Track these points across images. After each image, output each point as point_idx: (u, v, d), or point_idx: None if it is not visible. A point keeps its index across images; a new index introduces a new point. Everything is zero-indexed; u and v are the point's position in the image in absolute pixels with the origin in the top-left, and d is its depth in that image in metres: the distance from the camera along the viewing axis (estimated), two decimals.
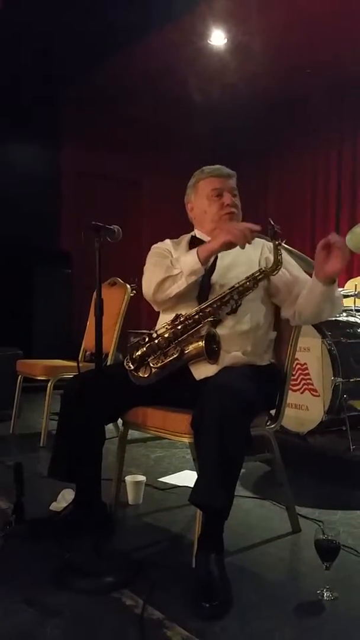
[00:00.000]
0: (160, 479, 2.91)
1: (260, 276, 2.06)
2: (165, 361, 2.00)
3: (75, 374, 2.45)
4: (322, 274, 2.03)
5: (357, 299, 3.50)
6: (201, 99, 5.73)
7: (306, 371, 3.09)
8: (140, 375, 2.04)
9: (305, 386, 3.09)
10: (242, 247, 2.05)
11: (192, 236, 2.35)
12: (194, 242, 2.29)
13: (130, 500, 2.54)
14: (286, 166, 6.99)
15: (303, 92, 6.10)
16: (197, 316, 2.04)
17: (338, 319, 3.29)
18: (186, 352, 2.00)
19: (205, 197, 2.27)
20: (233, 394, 1.83)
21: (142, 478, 2.58)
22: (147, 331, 2.17)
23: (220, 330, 2.08)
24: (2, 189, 5.98)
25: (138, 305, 3.90)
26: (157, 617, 1.64)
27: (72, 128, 6.55)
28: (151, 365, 2.02)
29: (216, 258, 2.21)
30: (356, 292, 3.50)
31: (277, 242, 2.02)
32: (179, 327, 2.03)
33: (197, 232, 2.35)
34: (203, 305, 2.05)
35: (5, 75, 5.49)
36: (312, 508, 2.49)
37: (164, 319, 2.20)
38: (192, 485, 1.85)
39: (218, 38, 5.21)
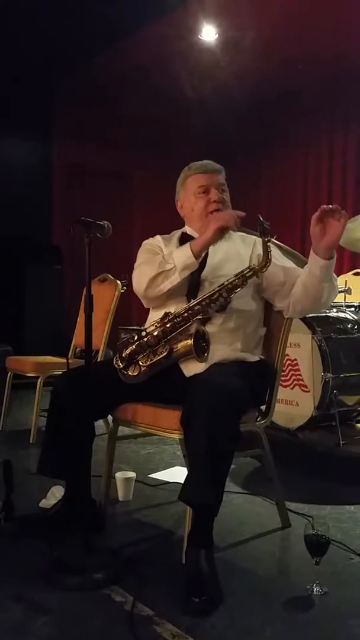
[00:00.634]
0: (151, 476, 2.91)
1: (249, 273, 2.06)
2: (154, 359, 2.00)
3: (65, 370, 2.44)
4: (321, 247, 2.01)
5: (347, 295, 3.51)
6: (192, 93, 5.71)
7: (296, 367, 3.10)
8: (130, 373, 2.04)
9: (295, 382, 3.10)
10: (234, 229, 2.08)
11: (182, 232, 2.35)
12: (185, 239, 2.28)
13: (120, 497, 2.54)
14: (277, 161, 6.99)
15: (294, 87, 6.08)
16: (186, 314, 2.03)
17: (328, 314, 3.30)
18: (175, 350, 2.00)
19: (192, 194, 2.26)
20: (222, 391, 1.84)
21: (132, 474, 2.58)
22: (138, 327, 2.18)
23: (210, 328, 2.08)
24: None
25: (129, 301, 3.90)
26: (147, 613, 1.64)
27: (63, 122, 6.52)
28: (140, 363, 2.02)
29: (207, 255, 2.21)
30: (346, 288, 3.51)
31: (266, 239, 2.01)
32: (168, 325, 2.03)
33: (187, 229, 2.35)
34: (192, 303, 2.05)
35: None
36: (301, 503, 2.50)
37: (154, 316, 2.20)
38: (182, 481, 1.85)
39: (209, 33, 5.19)
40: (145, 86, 5.93)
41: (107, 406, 2.22)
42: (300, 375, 3.08)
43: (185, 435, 1.90)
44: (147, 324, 2.18)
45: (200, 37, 5.23)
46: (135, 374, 2.03)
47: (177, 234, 2.36)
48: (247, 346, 2.17)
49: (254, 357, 2.20)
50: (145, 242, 2.37)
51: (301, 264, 3.58)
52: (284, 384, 3.08)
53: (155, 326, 2.05)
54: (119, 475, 2.54)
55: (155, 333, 2.03)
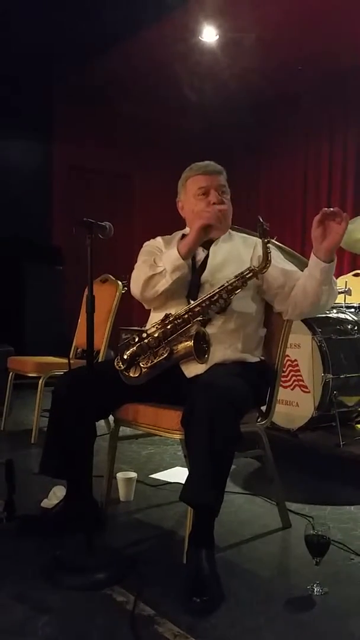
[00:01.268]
0: (152, 476, 2.91)
1: (249, 275, 2.06)
2: (155, 361, 2.01)
3: (66, 370, 2.45)
4: (322, 250, 2.02)
5: (347, 296, 3.52)
6: (193, 94, 5.73)
7: (297, 367, 3.11)
8: (131, 375, 2.05)
9: (295, 382, 3.11)
10: (218, 225, 2.13)
11: (183, 234, 2.35)
12: None
13: (122, 497, 2.55)
14: (277, 162, 7.00)
15: (294, 88, 6.10)
16: (186, 316, 2.05)
17: (328, 315, 3.30)
18: (175, 351, 2.01)
19: (192, 195, 2.27)
20: (222, 391, 1.84)
21: (133, 475, 2.59)
22: (139, 328, 2.19)
23: (210, 329, 2.09)
24: None
25: (130, 302, 3.89)
26: (148, 613, 1.64)
27: (63, 123, 6.52)
28: (141, 365, 2.03)
29: (207, 257, 2.21)
30: (346, 289, 3.51)
31: (266, 240, 2.02)
32: (169, 326, 2.04)
33: (188, 230, 2.35)
34: (192, 305, 2.06)
35: None
36: (302, 504, 2.51)
37: (155, 317, 2.21)
38: (183, 481, 1.85)
39: (209, 34, 5.20)
40: (146, 87, 5.94)
41: (108, 406, 2.22)
42: (300, 375, 3.09)
43: (186, 436, 1.90)
44: (148, 325, 2.19)
45: (200, 38, 5.25)
46: (136, 375, 2.04)
47: (178, 235, 2.36)
48: (247, 347, 2.18)
49: (255, 358, 2.21)
50: (145, 243, 2.38)
51: (302, 265, 3.58)
52: (284, 384, 3.09)
53: (156, 328, 2.06)
54: (120, 475, 2.55)
55: (156, 335, 2.04)
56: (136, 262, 2.32)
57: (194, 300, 2.10)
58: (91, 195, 6.62)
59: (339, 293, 3.57)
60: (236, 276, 2.07)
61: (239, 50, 5.17)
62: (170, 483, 2.79)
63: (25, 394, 4.31)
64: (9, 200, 5.91)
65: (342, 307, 3.43)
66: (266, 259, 2.03)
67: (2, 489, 2.27)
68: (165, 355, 2.01)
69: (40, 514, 2.32)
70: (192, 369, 2.08)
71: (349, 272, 4.61)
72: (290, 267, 2.25)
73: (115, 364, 2.07)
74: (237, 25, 4.95)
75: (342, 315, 3.34)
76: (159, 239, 2.37)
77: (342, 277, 4.41)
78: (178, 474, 2.89)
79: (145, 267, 2.19)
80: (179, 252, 2.11)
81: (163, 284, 2.14)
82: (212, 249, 2.24)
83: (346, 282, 3.75)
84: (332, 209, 1.99)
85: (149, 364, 2.02)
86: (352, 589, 1.82)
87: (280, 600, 1.73)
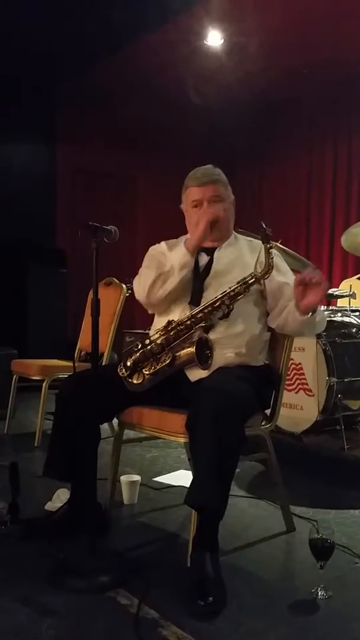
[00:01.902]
0: (155, 479, 2.91)
1: (251, 280, 2.07)
2: (157, 367, 2.03)
3: (70, 373, 2.45)
4: (302, 307, 2.04)
5: (352, 300, 3.52)
6: (197, 98, 5.73)
7: (301, 371, 3.10)
8: (134, 382, 2.06)
9: (300, 386, 3.10)
10: (221, 216, 2.18)
11: (186, 239, 2.36)
12: None
13: (126, 500, 2.55)
14: (281, 165, 7.00)
15: (299, 92, 6.11)
16: (189, 322, 2.06)
17: (333, 319, 3.30)
18: (178, 358, 2.03)
19: (189, 206, 2.29)
20: (227, 395, 1.84)
21: (137, 478, 2.59)
22: (143, 331, 2.19)
23: (214, 334, 2.09)
24: None
25: (133, 305, 3.90)
26: (153, 616, 1.64)
27: (68, 126, 6.54)
28: (144, 372, 2.03)
29: (212, 262, 2.21)
30: (351, 293, 3.51)
31: (268, 245, 2.03)
32: (171, 333, 2.06)
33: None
34: (195, 311, 2.07)
35: (1, 73, 5.48)
36: (306, 507, 2.50)
37: (159, 322, 2.22)
38: (187, 485, 1.85)
39: (214, 38, 5.22)
40: (150, 90, 5.95)
41: (112, 409, 2.23)
42: (304, 379, 3.09)
43: (191, 439, 1.90)
44: (151, 331, 2.20)
45: (205, 42, 5.26)
46: (139, 382, 2.05)
47: (182, 240, 2.37)
48: (251, 351, 2.17)
49: (259, 362, 2.21)
50: (151, 248, 2.39)
51: (306, 268, 3.59)
52: (288, 388, 3.09)
53: (159, 334, 2.07)
54: (124, 478, 2.55)
55: (159, 341, 2.06)
56: (139, 265, 2.33)
57: (196, 306, 2.11)
58: (95, 198, 6.63)
59: (344, 297, 3.57)
60: (238, 282, 2.08)
61: (244, 54, 5.17)
62: (174, 486, 2.79)
63: (29, 397, 4.31)
64: (13, 203, 5.93)
65: (346, 310, 3.43)
66: (268, 264, 2.04)
67: (6, 492, 2.27)
68: (167, 362, 2.02)
69: (44, 516, 2.32)
70: (196, 373, 2.08)
71: (353, 276, 4.61)
72: (287, 286, 2.20)
73: (119, 370, 2.07)
74: (242, 30, 4.96)
75: (346, 319, 3.34)
76: (163, 244, 2.38)
77: (346, 280, 4.42)
78: (182, 477, 2.89)
79: (149, 272, 2.21)
80: (186, 249, 2.15)
81: (170, 283, 2.15)
82: (216, 254, 2.24)
83: (351, 285, 3.75)
84: (313, 275, 1.98)
85: (151, 371, 2.03)
86: (356, 593, 1.81)
87: (284, 603, 1.73)
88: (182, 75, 5.47)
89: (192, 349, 1.99)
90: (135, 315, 5.91)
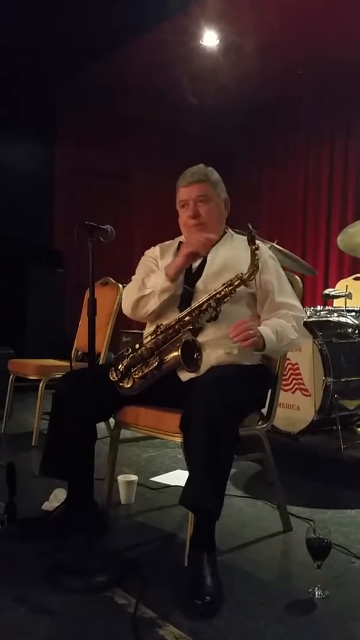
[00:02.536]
0: (152, 479, 2.92)
1: (237, 283, 2.07)
2: (145, 371, 2.05)
3: (66, 373, 2.45)
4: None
5: (348, 300, 3.52)
6: (194, 98, 5.74)
7: (297, 371, 3.11)
8: (124, 386, 2.08)
9: (296, 386, 3.11)
10: (203, 255, 2.19)
11: (180, 242, 2.36)
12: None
13: (123, 500, 2.55)
14: (278, 165, 7.00)
15: (295, 92, 6.12)
16: (177, 325, 2.08)
17: (329, 319, 3.31)
18: (165, 361, 2.04)
19: (178, 207, 2.32)
20: (219, 393, 1.85)
21: (134, 477, 2.59)
22: (139, 331, 2.20)
23: (205, 336, 2.10)
24: None
25: None
26: (150, 616, 1.65)
27: (65, 125, 6.55)
28: (133, 376, 2.05)
29: (204, 264, 2.21)
30: (347, 293, 3.52)
31: (254, 247, 2.05)
32: (160, 337, 2.08)
33: (184, 238, 2.36)
34: (182, 314, 2.09)
35: None
36: (303, 507, 2.51)
37: (150, 327, 2.24)
38: (183, 484, 1.85)
39: (210, 38, 5.22)
40: (147, 90, 5.96)
41: (109, 408, 2.23)
42: (301, 379, 3.09)
43: (185, 439, 1.91)
44: (145, 333, 2.22)
45: (201, 42, 5.26)
46: (129, 386, 2.08)
47: (175, 244, 2.37)
48: (243, 351, 2.16)
49: (252, 361, 2.20)
50: (146, 252, 2.41)
51: (302, 268, 3.60)
52: (285, 388, 3.09)
53: (150, 338, 2.10)
54: (121, 478, 2.55)
55: (149, 345, 2.08)
56: (136, 265, 2.35)
57: (185, 309, 2.12)
58: (92, 198, 6.63)
59: (340, 297, 3.58)
60: (224, 284, 2.08)
61: (240, 54, 5.19)
62: (171, 486, 2.79)
63: (26, 397, 4.31)
64: (9, 202, 5.92)
65: (342, 310, 3.44)
66: (253, 265, 2.05)
67: (3, 492, 2.27)
68: (154, 366, 2.05)
69: (41, 516, 2.32)
70: (187, 374, 2.08)
71: (349, 276, 4.61)
72: (285, 290, 2.22)
73: (110, 375, 2.09)
74: (238, 30, 4.97)
75: (342, 319, 3.34)
76: (157, 247, 2.40)
77: (342, 280, 4.42)
78: (179, 477, 2.89)
79: (134, 288, 2.24)
80: (167, 276, 2.15)
81: (153, 304, 2.20)
82: (209, 256, 2.23)
83: (347, 285, 3.76)
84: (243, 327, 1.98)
85: (139, 375, 2.05)
86: (353, 593, 1.82)
87: (281, 603, 1.73)
88: (179, 75, 5.48)
89: (177, 353, 2.02)
90: None
